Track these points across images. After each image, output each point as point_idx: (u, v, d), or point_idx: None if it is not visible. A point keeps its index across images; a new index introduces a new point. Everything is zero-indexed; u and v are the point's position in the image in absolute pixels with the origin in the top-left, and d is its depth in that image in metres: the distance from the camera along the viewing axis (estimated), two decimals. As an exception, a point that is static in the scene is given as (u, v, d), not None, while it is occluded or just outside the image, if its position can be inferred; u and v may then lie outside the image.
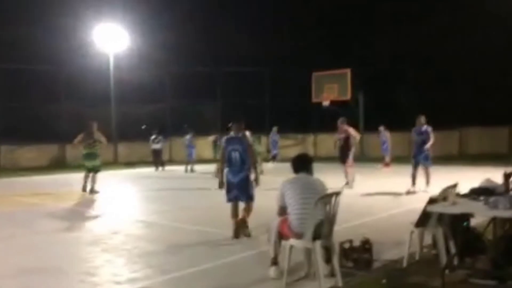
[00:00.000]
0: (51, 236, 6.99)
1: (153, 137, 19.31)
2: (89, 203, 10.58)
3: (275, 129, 21.28)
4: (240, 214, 6.64)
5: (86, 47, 22.85)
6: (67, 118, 23.10)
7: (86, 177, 11.91)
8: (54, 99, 22.59)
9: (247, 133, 8.45)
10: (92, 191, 11.75)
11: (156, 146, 19.55)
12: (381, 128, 18.59)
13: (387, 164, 18.25)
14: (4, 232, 7.41)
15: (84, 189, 11.85)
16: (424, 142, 10.74)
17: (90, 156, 11.94)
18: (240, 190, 6.59)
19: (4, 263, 5.50)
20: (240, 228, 6.49)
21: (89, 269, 5.15)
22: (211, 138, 19.21)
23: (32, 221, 8.31)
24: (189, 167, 17.99)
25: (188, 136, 18.88)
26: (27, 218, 8.67)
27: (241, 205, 6.70)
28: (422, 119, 10.88)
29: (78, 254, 5.84)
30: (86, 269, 5.12)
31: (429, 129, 10.79)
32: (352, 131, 11.98)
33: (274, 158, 20.93)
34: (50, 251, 6.06)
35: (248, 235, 6.46)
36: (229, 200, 6.67)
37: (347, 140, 11.97)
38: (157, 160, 19.41)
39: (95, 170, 11.88)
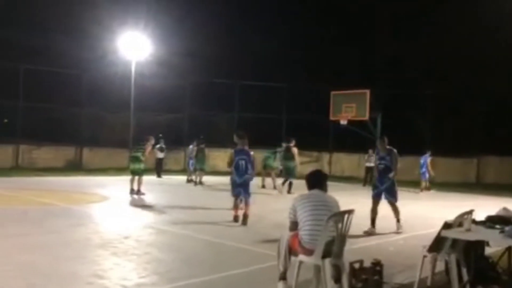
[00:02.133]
0: (62, 237, 7.05)
1: (158, 146, 19.31)
2: (101, 206, 10.66)
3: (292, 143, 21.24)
4: (242, 209, 8.81)
5: (110, 54, 23.25)
6: (87, 122, 23.47)
7: (131, 180, 12.88)
8: (76, 103, 22.98)
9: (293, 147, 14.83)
10: (139, 192, 12.64)
11: (160, 155, 19.74)
12: (428, 153, 18.18)
13: (427, 188, 17.87)
14: (16, 229, 7.49)
15: (131, 192, 12.71)
16: (388, 169, 8.37)
17: (133, 159, 13.14)
18: (242, 188, 8.85)
19: (13, 261, 5.55)
20: (243, 219, 8.63)
21: (98, 271, 5.16)
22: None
23: (45, 221, 8.39)
24: (197, 179, 17.61)
25: (191, 146, 18.82)
26: (39, 217, 8.77)
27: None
28: (385, 140, 8.64)
29: (87, 256, 5.87)
30: (95, 272, 5.14)
31: (394, 152, 8.49)
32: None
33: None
34: (60, 251, 6.10)
35: (245, 224, 8.55)
36: (234, 194, 8.97)
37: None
38: (159, 168, 19.61)
39: (137, 173, 12.78)
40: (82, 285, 4.66)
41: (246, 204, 8.82)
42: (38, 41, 24.95)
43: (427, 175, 17.87)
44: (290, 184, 14.58)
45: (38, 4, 27.42)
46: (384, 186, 8.35)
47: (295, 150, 14.92)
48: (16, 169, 19.93)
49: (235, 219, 8.73)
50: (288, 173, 14.78)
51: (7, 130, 22.43)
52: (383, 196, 8.46)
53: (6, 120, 24.05)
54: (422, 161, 18.01)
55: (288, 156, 14.96)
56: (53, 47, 25.03)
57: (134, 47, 22.46)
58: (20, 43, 24.89)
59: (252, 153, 9.24)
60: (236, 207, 8.91)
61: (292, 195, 14.40)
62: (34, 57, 22.93)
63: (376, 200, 8.43)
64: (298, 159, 15.14)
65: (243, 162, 8.80)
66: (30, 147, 21.39)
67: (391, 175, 8.36)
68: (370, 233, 8.08)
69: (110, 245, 6.48)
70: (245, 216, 8.66)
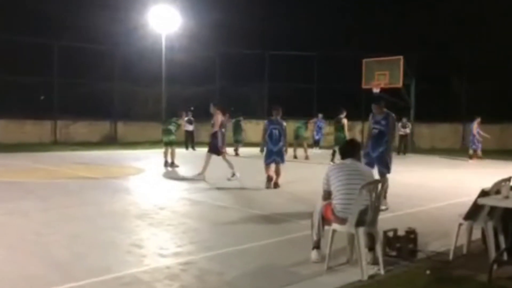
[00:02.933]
0: (101, 208, 7.30)
1: (186, 118, 19.33)
2: (136, 179, 10.94)
3: (321, 115, 21.14)
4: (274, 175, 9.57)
5: (140, 28, 23.39)
6: (120, 96, 23.89)
7: (165, 153, 13.22)
8: (108, 78, 23.36)
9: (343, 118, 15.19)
10: (173, 165, 12.95)
11: (190, 127, 19.85)
12: (478, 120, 17.06)
13: (477, 156, 16.96)
14: (58, 202, 7.80)
15: (165, 164, 13.06)
16: (383, 134, 7.43)
17: (166, 132, 13.40)
18: (277, 156, 9.58)
19: (57, 231, 5.79)
20: (274, 185, 9.49)
21: (136, 241, 5.34)
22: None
23: (84, 193, 8.70)
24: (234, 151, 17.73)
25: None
26: (79, 189, 9.08)
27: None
28: (382, 103, 7.74)
29: (126, 227, 6.07)
30: (133, 241, 5.32)
31: (391, 116, 7.53)
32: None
33: (317, 144, 20.82)
34: (100, 222, 6.32)
35: (278, 187, 9.47)
36: (268, 162, 9.64)
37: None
38: (189, 140, 19.75)
39: (170, 144, 13.11)
40: (122, 254, 4.84)
41: (278, 172, 9.62)
42: (70, 17, 25.33)
43: (477, 143, 16.94)
44: (334, 153, 14.82)
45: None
46: (376, 154, 7.34)
47: (345, 121, 15.18)
48: (55, 144, 20.61)
49: (269, 178, 9.53)
50: (337, 143, 14.77)
51: (44, 106, 23.10)
52: (375, 167, 7.23)
53: (42, 97, 24.75)
54: (473, 128, 17.01)
55: (338, 127, 15.21)
56: (85, 23, 25.38)
57: (164, 20, 22.49)
58: (53, 20, 25.31)
59: (285, 123, 9.86)
60: (271, 172, 9.62)
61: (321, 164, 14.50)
62: (67, 34, 23.32)
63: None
64: (347, 130, 15.34)
65: (277, 131, 9.61)
66: (66, 122, 22.02)
67: (385, 140, 7.39)
68: None
69: (147, 216, 6.67)
70: (276, 184, 9.51)
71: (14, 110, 20.89)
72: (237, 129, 18.57)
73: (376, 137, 7.47)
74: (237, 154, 17.32)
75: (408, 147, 19.81)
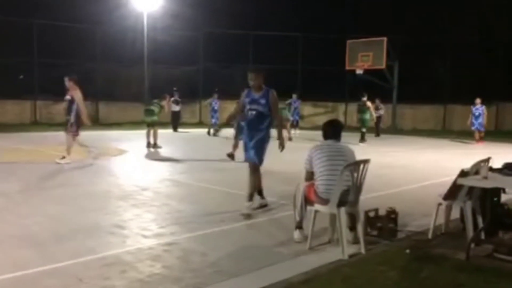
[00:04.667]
0: (84, 189, 7.24)
1: (172, 99, 19.18)
2: (119, 160, 10.86)
3: (295, 96, 20.91)
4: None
5: (121, 6, 22.91)
6: (102, 77, 23.51)
7: (148, 133, 13.10)
8: (90, 58, 22.93)
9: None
10: (155, 146, 12.87)
11: (176, 108, 19.71)
12: (478, 101, 16.73)
13: (481, 139, 16.61)
14: (39, 183, 7.71)
15: (148, 145, 12.94)
16: (263, 116, 5.85)
17: (148, 112, 13.29)
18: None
19: (40, 213, 5.74)
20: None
21: (119, 222, 5.33)
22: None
23: (66, 174, 8.61)
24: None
25: (210, 100, 18.92)
26: (61, 170, 8.98)
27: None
28: (261, 75, 5.88)
29: (109, 208, 6.04)
30: (116, 222, 5.30)
31: (272, 93, 5.86)
32: None
33: (296, 125, 20.73)
34: (83, 203, 6.28)
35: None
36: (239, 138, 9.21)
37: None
38: (175, 121, 19.65)
39: (152, 125, 13.01)
40: (105, 235, 4.82)
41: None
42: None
43: (480, 126, 16.64)
44: (363, 134, 15.81)
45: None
46: (253, 142, 5.80)
47: (369, 104, 16.30)
48: (35, 124, 20.28)
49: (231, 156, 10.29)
50: (363, 125, 16.05)
51: (25, 86, 22.64)
52: (251, 157, 5.86)
53: (21, 76, 24.22)
54: (478, 110, 16.65)
55: (363, 109, 16.18)
56: (65, 1, 24.74)
57: (145, -1, 22.06)
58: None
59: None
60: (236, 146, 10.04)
61: (362, 144, 15.18)
62: (46, 12, 22.73)
63: (250, 165, 5.90)
64: (373, 112, 16.65)
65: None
66: (47, 102, 21.63)
67: (265, 124, 5.82)
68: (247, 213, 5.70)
69: (130, 197, 6.65)
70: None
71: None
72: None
73: (255, 120, 5.80)
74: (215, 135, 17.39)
75: (379, 128, 19.54)
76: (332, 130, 4.76)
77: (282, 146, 5.96)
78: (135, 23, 22.92)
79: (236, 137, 9.77)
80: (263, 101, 5.81)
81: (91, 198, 6.62)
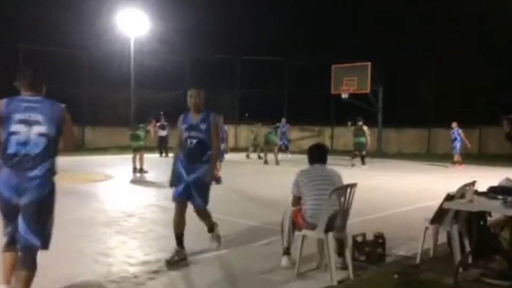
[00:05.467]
0: (68, 215, 7.09)
1: (159, 124, 19.13)
2: (104, 185, 10.73)
3: (284, 120, 21.16)
4: None
5: (108, 31, 23.04)
6: (88, 101, 23.41)
7: (134, 158, 12.99)
8: (76, 82, 22.87)
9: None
10: (141, 171, 12.75)
11: (163, 133, 19.65)
12: (454, 125, 16.77)
13: (459, 163, 16.57)
14: None
15: (134, 170, 12.82)
16: (204, 145, 4.93)
17: (133, 137, 13.25)
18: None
19: None
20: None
21: (103, 249, 5.23)
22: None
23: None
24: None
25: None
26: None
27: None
28: (201, 95, 5.05)
29: (92, 235, 5.93)
30: (100, 250, 5.20)
31: (213, 116, 4.94)
32: None
33: (286, 149, 20.80)
34: (66, 230, 6.14)
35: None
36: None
37: None
38: (162, 146, 19.61)
39: (138, 150, 12.94)
40: (89, 263, 4.72)
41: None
42: (36, 19, 24.72)
43: (457, 149, 16.66)
44: (363, 157, 16.10)
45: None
46: (193, 178, 4.83)
47: (365, 128, 16.44)
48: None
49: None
50: (360, 149, 16.28)
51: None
52: (194, 200, 4.93)
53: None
54: (454, 134, 16.69)
55: (360, 133, 16.35)
56: (52, 26, 24.82)
57: (132, 24, 22.22)
58: (17, 22, 24.68)
59: (226, 127, 12.02)
60: None
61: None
62: (33, 36, 22.73)
63: (180, 205, 4.92)
64: (368, 136, 16.63)
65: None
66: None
67: (208, 154, 4.89)
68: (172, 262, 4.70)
69: (115, 223, 6.55)
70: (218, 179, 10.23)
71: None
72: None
73: (194, 151, 4.85)
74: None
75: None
76: (318, 154, 4.78)
77: (212, 176, 5.03)
78: (122, 48, 23.01)
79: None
80: (203, 126, 4.86)
81: (75, 224, 6.50)
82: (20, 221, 3.35)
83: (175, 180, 4.92)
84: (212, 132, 4.92)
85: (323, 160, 4.75)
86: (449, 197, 4.68)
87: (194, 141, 4.86)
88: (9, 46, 21.15)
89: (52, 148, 3.45)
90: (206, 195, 4.94)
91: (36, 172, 3.36)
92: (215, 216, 7.15)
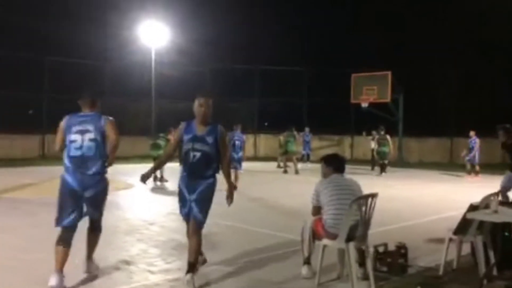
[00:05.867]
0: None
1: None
2: (126, 194, 10.86)
3: (307, 129, 21.09)
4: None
5: (130, 43, 23.45)
6: (110, 111, 23.74)
7: None
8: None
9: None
10: (162, 179, 12.87)
11: None
12: (472, 133, 16.50)
13: (476, 173, 16.25)
14: (47, 217, 7.67)
15: (154, 179, 12.87)
16: (211, 160, 4.48)
17: (154, 146, 13.44)
18: (237, 162, 11.03)
19: (45, 248, 5.69)
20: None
21: (125, 257, 5.29)
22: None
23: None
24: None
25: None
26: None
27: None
28: (207, 102, 4.83)
29: (115, 243, 6.00)
30: (122, 257, 5.26)
31: (220, 129, 4.57)
32: None
33: (304, 158, 20.70)
34: (88, 238, 6.24)
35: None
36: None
37: None
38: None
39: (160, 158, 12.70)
40: (112, 271, 4.78)
41: (236, 177, 10.55)
42: (60, 33, 25.35)
43: (475, 159, 16.32)
44: (384, 166, 16.39)
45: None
46: (195, 194, 4.44)
47: (388, 137, 16.70)
48: (43, 158, 20.40)
49: None
50: (382, 157, 16.53)
51: (33, 121, 22.91)
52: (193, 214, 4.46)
53: (31, 111, 24.55)
54: (472, 143, 16.36)
55: (384, 143, 16.56)
56: (75, 38, 25.42)
57: (153, 35, 22.56)
58: (43, 35, 25.33)
59: (244, 136, 12.04)
60: None
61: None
62: (57, 49, 23.30)
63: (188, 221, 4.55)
64: (392, 145, 16.90)
65: (239, 142, 11.80)
66: (55, 136, 21.74)
67: (212, 169, 4.49)
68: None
69: (136, 232, 6.62)
70: (235, 187, 10.18)
71: (3, 124, 20.70)
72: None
73: (198, 165, 4.43)
74: None
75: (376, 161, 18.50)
76: (337, 164, 4.76)
77: (231, 197, 4.57)
78: (143, 59, 23.37)
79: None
80: (210, 139, 4.42)
81: (97, 233, 6.58)
82: (85, 208, 4.46)
83: (180, 202, 4.56)
84: (221, 145, 4.47)
85: (341, 170, 4.73)
86: (473, 207, 4.61)
87: (198, 154, 4.38)
88: (36, 58, 21.70)
89: (102, 150, 4.43)
90: (207, 210, 4.45)
91: (93, 170, 4.38)
92: (233, 225, 7.16)
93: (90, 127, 4.43)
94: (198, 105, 4.49)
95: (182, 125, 4.61)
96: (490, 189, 5.03)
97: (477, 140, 16.39)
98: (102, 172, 4.47)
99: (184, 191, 4.48)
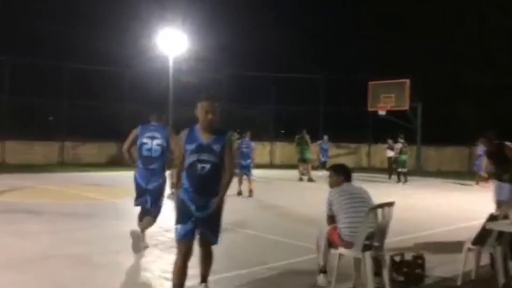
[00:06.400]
0: (108, 230, 7.29)
1: None
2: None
3: (326, 137, 20.99)
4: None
5: (149, 51, 23.71)
6: (128, 118, 24.08)
7: (171, 174, 12.77)
8: (117, 100, 23.60)
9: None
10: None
11: None
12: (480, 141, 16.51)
13: (486, 179, 15.36)
14: (64, 223, 7.80)
15: (172, 186, 12.58)
16: (217, 171, 4.18)
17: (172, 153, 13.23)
18: (246, 169, 11.55)
19: (62, 254, 5.79)
20: (249, 192, 11.32)
21: (142, 264, 5.33)
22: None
23: (91, 215, 8.70)
24: None
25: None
26: (86, 211, 9.09)
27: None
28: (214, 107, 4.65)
29: (131, 249, 6.04)
30: (139, 264, 5.31)
31: (229, 136, 4.50)
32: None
33: (324, 166, 20.62)
34: (106, 244, 6.32)
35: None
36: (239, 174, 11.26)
37: None
38: None
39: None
40: (128, 277, 4.83)
41: (249, 182, 11.27)
42: (80, 40, 25.81)
43: (478, 167, 16.16)
44: (405, 175, 16.34)
45: (78, 3, 28.31)
46: (206, 213, 3.94)
47: (407, 146, 16.94)
48: (62, 165, 20.72)
49: (239, 192, 11.31)
50: (403, 165, 16.52)
51: (52, 127, 23.30)
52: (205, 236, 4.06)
53: (51, 118, 24.98)
54: (479, 151, 15.92)
55: (404, 151, 16.68)
56: (94, 45, 25.82)
57: (171, 43, 22.78)
58: (63, 42, 25.82)
59: (253, 143, 12.14)
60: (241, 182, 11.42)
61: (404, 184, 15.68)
62: (77, 56, 23.72)
63: (186, 248, 4.05)
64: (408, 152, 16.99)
65: (247, 149, 11.76)
66: (74, 143, 22.16)
67: (220, 182, 3.95)
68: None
69: (152, 238, 6.65)
70: (250, 192, 11.18)
71: (23, 131, 21.10)
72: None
73: (207, 179, 3.87)
74: None
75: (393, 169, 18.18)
76: (345, 173, 4.78)
77: (216, 204, 3.92)
78: (161, 66, 23.60)
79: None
80: (217, 147, 3.85)
81: (115, 238, 6.65)
82: (148, 198, 5.91)
83: (180, 217, 3.94)
84: (227, 153, 3.89)
85: (349, 179, 4.75)
86: (492, 217, 4.55)
87: (207, 166, 3.80)
88: (56, 65, 22.11)
89: (164, 153, 5.90)
90: (219, 228, 4.03)
91: (154, 166, 5.88)
92: (248, 232, 7.15)
93: (157, 134, 5.91)
94: (203, 112, 3.91)
95: (183, 132, 4.02)
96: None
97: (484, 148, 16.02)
98: (162, 170, 5.89)
99: (190, 205, 3.86)
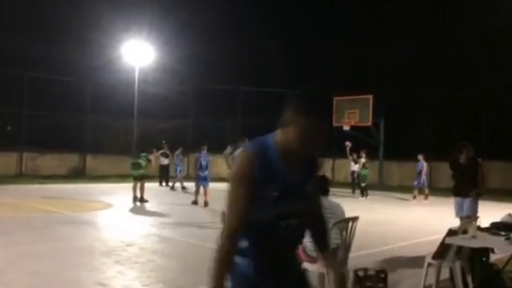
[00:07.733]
0: (66, 244, 7.05)
1: (161, 151, 18.77)
2: (104, 214, 10.67)
3: None
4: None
5: (113, 61, 23.37)
6: (91, 129, 23.56)
7: (134, 187, 12.81)
8: (79, 110, 23.07)
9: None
10: (142, 200, 12.59)
11: (165, 161, 19.43)
12: (420, 157, 16.63)
13: (425, 196, 16.18)
14: (20, 237, 7.50)
15: (134, 199, 12.64)
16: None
17: (134, 165, 13.19)
18: (205, 180, 12.51)
19: (17, 269, 5.54)
20: (205, 203, 12.20)
21: (102, 279, 5.16)
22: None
23: (49, 228, 8.40)
24: (177, 184, 17.73)
25: (176, 152, 18.92)
26: (43, 225, 8.78)
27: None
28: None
29: (91, 264, 5.86)
30: (99, 280, 5.13)
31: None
32: None
33: None
34: (64, 259, 6.10)
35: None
36: (197, 186, 12.66)
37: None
38: (163, 175, 19.39)
39: (138, 178, 12.76)
40: (86, 294, 4.66)
41: (205, 192, 12.13)
42: (42, 49, 25.13)
43: (423, 182, 16.57)
44: (365, 189, 16.80)
45: (42, 12, 27.69)
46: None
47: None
48: (20, 176, 19.99)
49: (195, 202, 12.29)
50: (364, 180, 17.05)
51: (11, 137, 22.52)
52: None
53: (9, 128, 24.15)
54: (419, 166, 16.70)
55: (367, 166, 17.31)
56: (57, 55, 25.23)
57: (137, 54, 22.54)
58: (24, 51, 25.09)
59: (210, 157, 13.09)
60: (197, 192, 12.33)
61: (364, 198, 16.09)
62: (38, 65, 23.09)
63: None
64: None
65: (205, 162, 12.61)
66: (34, 154, 21.44)
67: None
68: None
69: (114, 253, 6.48)
70: (206, 203, 11.91)
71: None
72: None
73: (292, 241, 2.31)
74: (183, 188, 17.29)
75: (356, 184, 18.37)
76: (320, 186, 4.75)
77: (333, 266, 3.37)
78: (126, 77, 23.28)
79: None
80: (311, 188, 2.27)
81: (73, 253, 6.44)
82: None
83: None
84: (316, 197, 2.52)
85: (325, 192, 4.72)
86: (452, 232, 4.64)
87: (295, 222, 2.16)
88: (15, 74, 21.43)
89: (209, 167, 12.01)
90: None
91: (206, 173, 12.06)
92: (213, 247, 7.04)
93: (205, 157, 12.00)
94: (312, 131, 2.19)
95: (249, 156, 2.13)
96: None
97: (425, 164, 16.58)
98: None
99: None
